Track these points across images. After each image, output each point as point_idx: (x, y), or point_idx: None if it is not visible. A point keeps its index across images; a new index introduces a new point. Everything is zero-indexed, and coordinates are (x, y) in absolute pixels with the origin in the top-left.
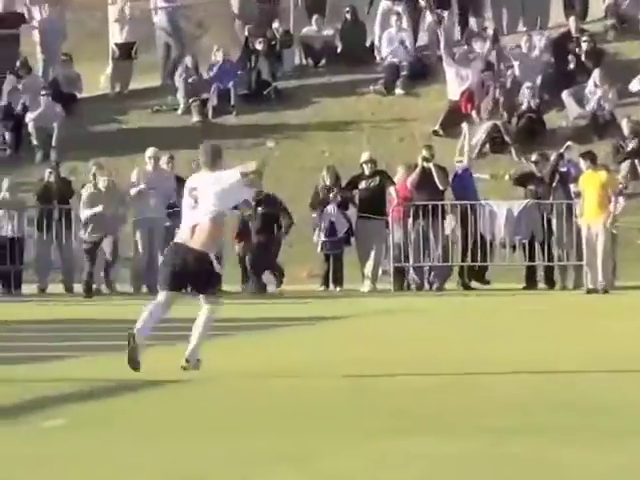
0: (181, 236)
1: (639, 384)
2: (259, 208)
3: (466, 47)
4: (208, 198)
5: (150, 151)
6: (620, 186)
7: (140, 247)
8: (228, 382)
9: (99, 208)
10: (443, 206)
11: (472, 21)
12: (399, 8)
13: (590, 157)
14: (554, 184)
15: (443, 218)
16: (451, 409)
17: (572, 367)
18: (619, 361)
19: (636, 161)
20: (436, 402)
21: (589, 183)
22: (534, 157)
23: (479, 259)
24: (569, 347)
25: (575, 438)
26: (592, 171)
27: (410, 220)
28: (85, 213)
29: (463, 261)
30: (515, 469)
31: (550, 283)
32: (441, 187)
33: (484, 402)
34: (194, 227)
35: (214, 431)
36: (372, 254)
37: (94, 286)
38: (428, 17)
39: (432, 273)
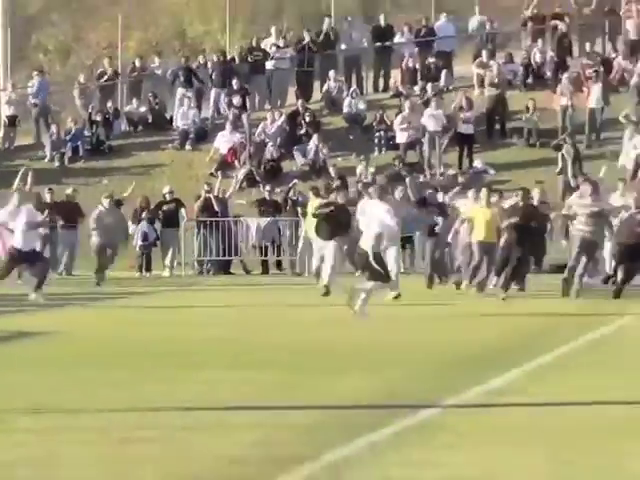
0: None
1: (347, 329)
2: None
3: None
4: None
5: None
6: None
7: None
8: (76, 335)
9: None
10: (218, 221)
11: (236, 100)
12: (190, 93)
13: (314, 190)
14: (287, 207)
15: (217, 230)
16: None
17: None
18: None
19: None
20: (228, 349)
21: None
22: (267, 188)
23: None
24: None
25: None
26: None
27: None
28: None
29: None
30: (277, 390)
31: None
32: (217, 209)
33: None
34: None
35: (53, 364)
36: (170, 252)
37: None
38: (211, 98)
39: (210, 264)
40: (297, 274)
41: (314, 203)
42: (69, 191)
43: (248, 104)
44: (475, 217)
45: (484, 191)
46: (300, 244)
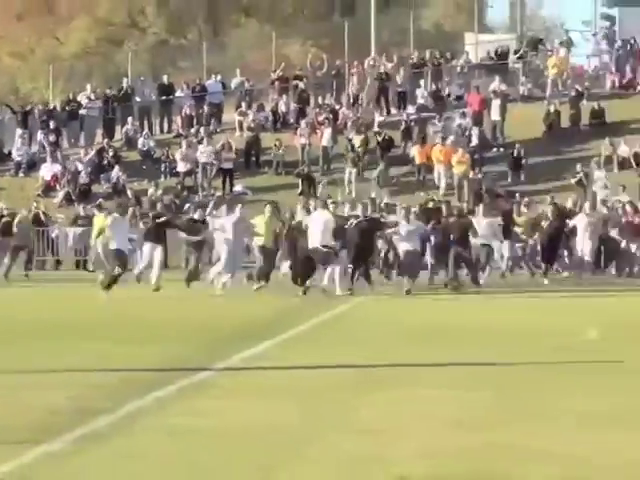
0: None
1: (157, 310)
2: None
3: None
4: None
5: None
6: None
7: None
8: None
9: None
10: (44, 230)
11: (52, 138)
12: (25, 134)
13: (97, 207)
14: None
15: (44, 237)
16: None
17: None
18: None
19: None
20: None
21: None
22: (81, 205)
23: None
24: None
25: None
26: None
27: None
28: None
29: None
30: (96, 357)
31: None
32: (43, 221)
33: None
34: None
35: None
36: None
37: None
38: (38, 137)
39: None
40: (91, 271)
41: (98, 218)
42: None
43: (65, 141)
44: (259, 226)
45: (268, 207)
46: (94, 248)
